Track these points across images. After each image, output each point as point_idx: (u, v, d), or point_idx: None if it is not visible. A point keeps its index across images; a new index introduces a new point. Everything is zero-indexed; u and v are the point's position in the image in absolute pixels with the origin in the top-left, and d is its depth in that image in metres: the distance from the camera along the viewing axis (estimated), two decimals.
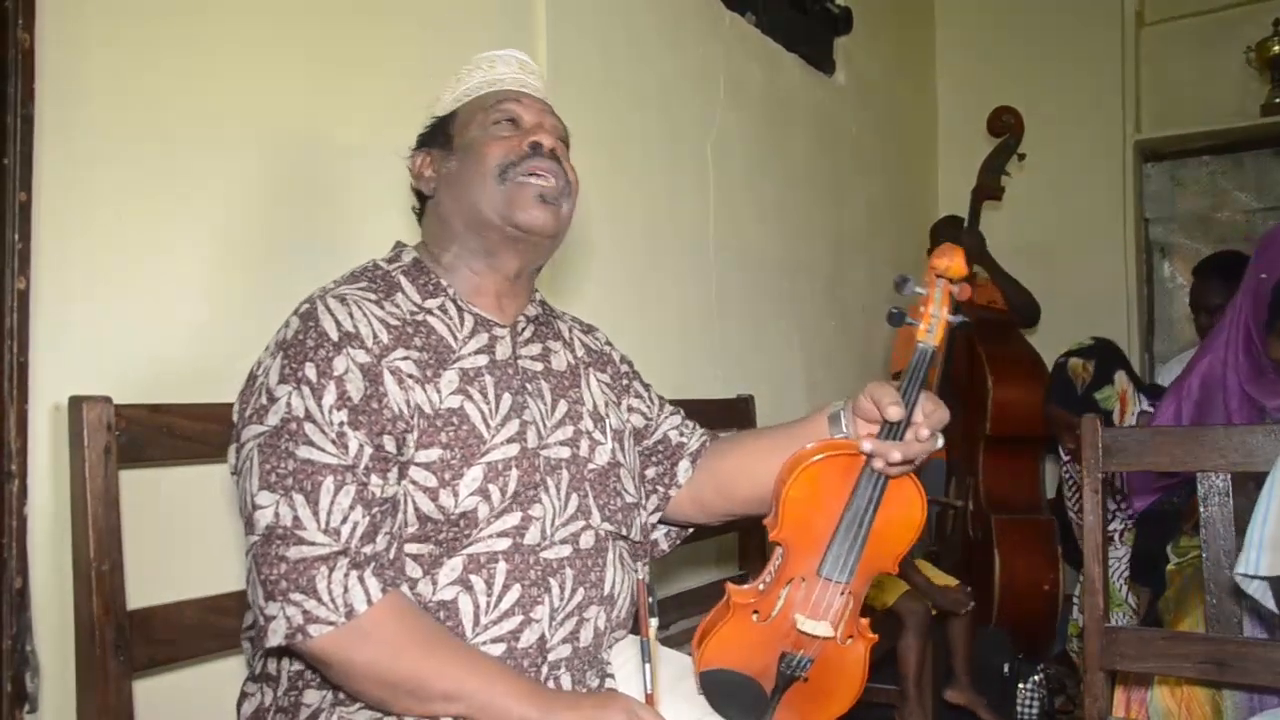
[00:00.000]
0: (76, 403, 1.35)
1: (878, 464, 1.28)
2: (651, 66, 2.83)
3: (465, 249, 1.40)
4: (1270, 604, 1.56)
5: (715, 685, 1.37)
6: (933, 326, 1.30)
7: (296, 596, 1.12)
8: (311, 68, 1.84)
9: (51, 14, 1.43)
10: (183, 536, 1.59)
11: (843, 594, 1.32)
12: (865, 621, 1.38)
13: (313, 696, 1.24)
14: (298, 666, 1.26)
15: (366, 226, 1.91)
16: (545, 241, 1.40)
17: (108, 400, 1.37)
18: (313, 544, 1.13)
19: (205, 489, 1.62)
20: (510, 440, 1.30)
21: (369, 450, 1.19)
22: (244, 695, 1.33)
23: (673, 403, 1.68)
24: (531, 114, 1.41)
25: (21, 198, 1.37)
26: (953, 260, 1.29)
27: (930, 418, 1.30)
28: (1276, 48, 4.52)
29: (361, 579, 1.14)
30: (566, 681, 1.29)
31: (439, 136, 1.43)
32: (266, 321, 1.34)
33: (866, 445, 1.27)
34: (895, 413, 1.27)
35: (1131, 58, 4.89)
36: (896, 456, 1.26)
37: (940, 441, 1.31)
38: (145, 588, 1.43)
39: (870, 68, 4.34)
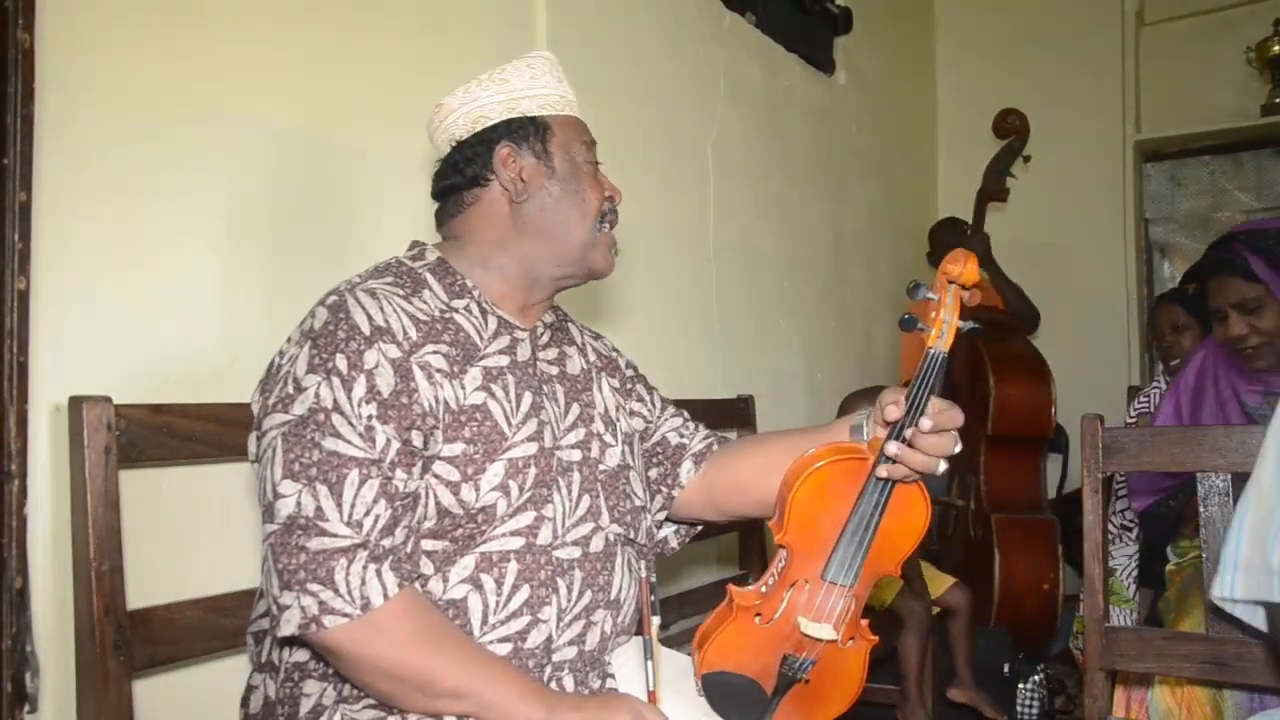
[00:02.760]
0: (76, 403, 1.35)
1: (882, 471, 1.27)
2: (651, 66, 2.83)
3: (525, 263, 1.41)
4: (1260, 624, 1.51)
5: (716, 688, 1.37)
6: (943, 332, 1.29)
7: (313, 587, 1.12)
8: (312, 68, 1.84)
9: (51, 14, 1.43)
10: (183, 536, 1.59)
11: (846, 597, 1.33)
12: (865, 623, 1.39)
13: (313, 687, 1.24)
14: (297, 658, 1.26)
15: (368, 227, 1.91)
16: (591, 281, 1.50)
17: (108, 400, 1.37)
18: (334, 535, 1.13)
19: (205, 489, 1.62)
20: (529, 439, 1.31)
21: (396, 444, 1.19)
22: (250, 688, 1.33)
23: (673, 403, 1.68)
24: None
25: (21, 198, 1.37)
26: (965, 266, 1.27)
27: (940, 416, 1.28)
28: (1276, 48, 4.53)
29: (379, 573, 1.14)
30: (569, 683, 1.30)
31: (533, 141, 1.41)
32: (268, 321, 1.34)
33: (892, 448, 1.26)
34: (893, 412, 1.26)
35: (1131, 58, 4.89)
36: (893, 450, 1.26)
37: (958, 447, 1.29)
38: (145, 588, 1.43)
39: (870, 68, 4.34)
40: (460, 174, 1.42)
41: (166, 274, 1.59)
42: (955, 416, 1.29)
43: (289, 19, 1.80)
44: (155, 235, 1.58)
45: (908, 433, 1.26)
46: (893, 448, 1.26)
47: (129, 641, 1.35)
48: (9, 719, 1.35)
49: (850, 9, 4.02)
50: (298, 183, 1.82)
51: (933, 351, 1.28)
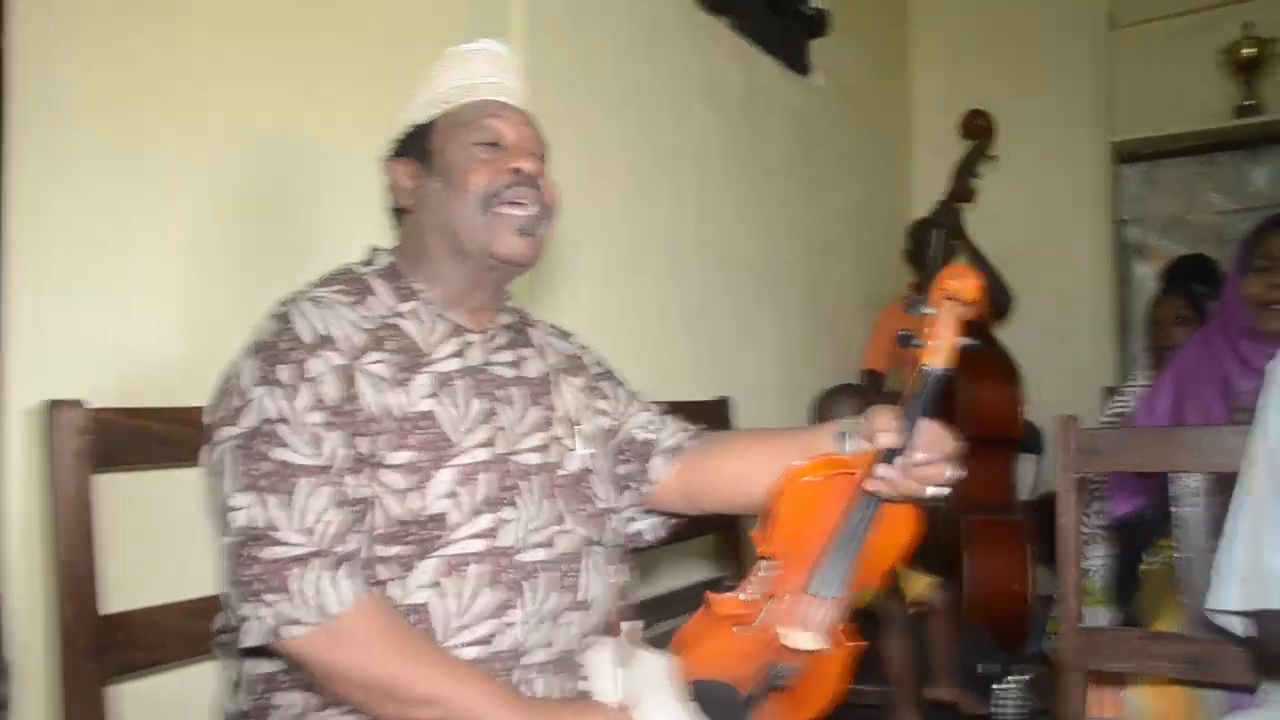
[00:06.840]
0: (50, 407, 1.34)
1: (870, 486, 1.23)
2: (629, 70, 2.83)
3: (442, 269, 1.40)
4: (1238, 631, 1.47)
5: (695, 695, 1.36)
6: (939, 348, 1.24)
7: (270, 597, 1.12)
8: (289, 70, 1.82)
9: (24, 14, 1.41)
10: (160, 540, 1.58)
11: (829, 607, 1.31)
12: (847, 626, 1.38)
13: (282, 699, 1.24)
14: (265, 670, 1.26)
15: (343, 230, 1.89)
16: (522, 270, 1.41)
17: (81, 404, 1.35)
18: (287, 544, 1.14)
19: (182, 492, 1.61)
20: (480, 445, 1.30)
21: (344, 451, 1.20)
22: (222, 708, 1.33)
23: (643, 399, 1.67)
24: (512, 129, 1.39)
25: None
26: (965, 282, 1.23)
27: (933, 446, 1.24)
28: (1246, 51, 4.57)
29: (335, 579, 1.14)
30: (540, 686, 1.29)
31: (417, 148, 1.41)
32: (243, 324, 1.34)
33: (881, 471, 1.21)
34: (883, 440, 1.23)
35: (1105, 60, 4.93)
36: (882, 474, 1.22)
37: (955, 472, 1.25)
38: (122, 592, 1.42)
39: (847, 70, 4.35)
40: (389, 191, 1.46)
41: (141, 277, 1.58)
42: (949, 446, 1.26)
43: (265, 22, 1.78)
44: (131, 238, 1.56)
45: (898, 461, 1.22)
46: (881, 471, 1.22)
47: (104, 646, 1.34)
48: None
49: (825, 11, 4.03)
50: (275, 185, 1.81)
51: (927, 368, 1.24)
